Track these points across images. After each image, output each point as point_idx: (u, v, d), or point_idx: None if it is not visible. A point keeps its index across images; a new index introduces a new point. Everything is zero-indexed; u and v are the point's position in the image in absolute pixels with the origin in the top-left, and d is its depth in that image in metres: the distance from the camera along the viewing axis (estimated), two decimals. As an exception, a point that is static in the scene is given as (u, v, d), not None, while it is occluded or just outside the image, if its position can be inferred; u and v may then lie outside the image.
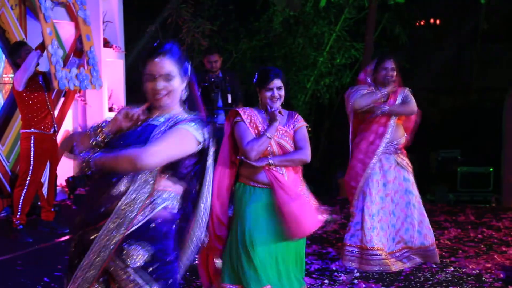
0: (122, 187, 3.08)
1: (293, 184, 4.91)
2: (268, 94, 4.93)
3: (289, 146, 4.94)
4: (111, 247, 3.03)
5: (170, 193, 3.18)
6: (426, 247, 6.67)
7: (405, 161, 6.71)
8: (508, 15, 15.47)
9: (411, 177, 6.71)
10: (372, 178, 6.55)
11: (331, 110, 15.44)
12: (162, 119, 3.18)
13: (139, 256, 3.06)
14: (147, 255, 3.07)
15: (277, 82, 4.93)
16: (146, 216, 3.09)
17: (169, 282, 3.13)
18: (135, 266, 3.06)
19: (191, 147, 3.14)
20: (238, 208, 4.93)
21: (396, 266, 6.52)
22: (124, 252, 3.06)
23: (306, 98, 14.09)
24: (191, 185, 3.26)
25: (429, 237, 6.69)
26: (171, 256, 3.17)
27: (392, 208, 6.60)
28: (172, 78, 3.18)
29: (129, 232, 3.05)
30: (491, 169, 12.62)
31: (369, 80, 6.63)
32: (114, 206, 3.05)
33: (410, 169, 6.73)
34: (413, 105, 6.61)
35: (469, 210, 9.90)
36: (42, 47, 7.95)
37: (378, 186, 6.55)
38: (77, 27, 9.83)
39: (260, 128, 4.91)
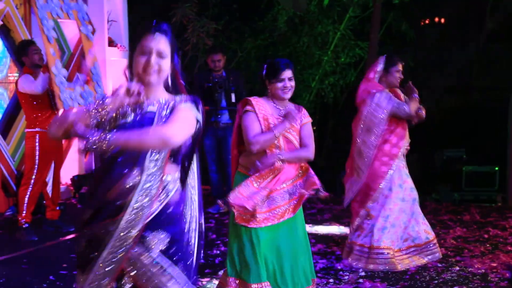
0: (134, 177, 3.08)
1: (286, 175, 4.91)
2: (280, 85, 4.92)
3: (296, 141, 4.95)
4: (132, 238, 3.05)
5: (175, 175, 3.22)
6: (430, 241, 6.63)
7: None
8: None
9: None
10: (393, 180, 6.55)
11: (335, 109, 15.44)
12: (156, 105, 3.19)
13: (160, 240, 3.11)
14: (167, 239, 3.13)
15: (288, 73, 4.92)
16: (162, 202, 3.14)
17: (188, 261, 3.20)
18: (157, 250, 3.10)
19: (194, 126, 3.17)
20: None
21: (402, 265, 6.50)
22: (145, 239, 3.10)
23: (310, 97, 14.09)
24: (186, 166, 3.30)
25: (429, 232, 6.67)
26: (187, 236, 3.24)
27: (403, 206, 6.59)
28: (165, 57, 3.19)
29: (149, 220, 3.08)
30: (496, 168, 12.58)
31: (376, 80, 6.62)
32: (130, 198, 3.06)
33: None
34: None
35: (474, 209, 9.89)
36: (46, 67, 7.88)
37: (397, 188, 6.56)
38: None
39: (270, 121, 4.91)
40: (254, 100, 4.98)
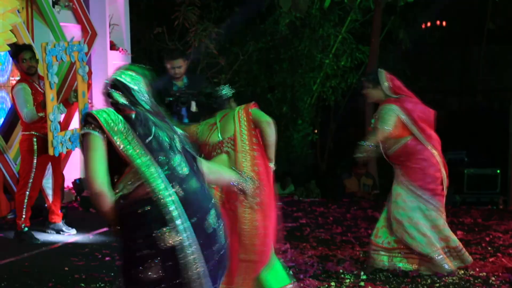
0: None
1: None
2: None
3: None
4: None
5: None
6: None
7: None
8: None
9: None
10: None
11: (337, 112, 15.46)
12: None
13: None
14: None
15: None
16: None
17: None
18: None
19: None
20: None
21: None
22: None
23: (312, 100, 14.13)
24: None
25: None
26: None
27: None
28: None
29: None
30: (498, 171, 12.56)
31: None
32: None
33: None
34: None
35: (476, 212, 9.88)
36: (40, 107, 7.65)
37: None
38: (83, 29, 9.85)
39: None
40: None
